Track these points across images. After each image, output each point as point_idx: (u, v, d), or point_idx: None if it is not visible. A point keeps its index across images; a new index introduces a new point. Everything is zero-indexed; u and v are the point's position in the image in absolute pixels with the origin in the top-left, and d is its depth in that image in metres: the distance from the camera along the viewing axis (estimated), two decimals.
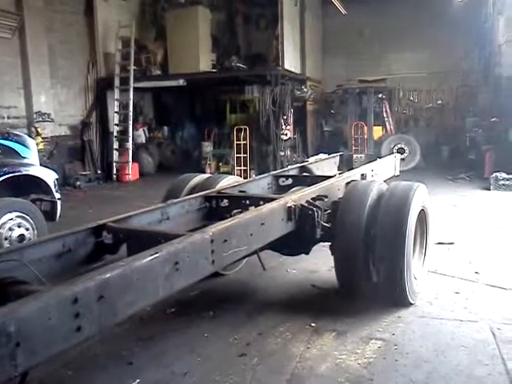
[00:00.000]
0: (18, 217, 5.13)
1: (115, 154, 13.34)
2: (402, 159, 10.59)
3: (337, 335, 3.54)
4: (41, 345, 1.78)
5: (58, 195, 6.03)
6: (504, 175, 9.64)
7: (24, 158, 6.14)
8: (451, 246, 5.78)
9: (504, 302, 4.07)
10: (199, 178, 4.97)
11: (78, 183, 12.00)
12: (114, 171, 13.26)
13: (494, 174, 9.76)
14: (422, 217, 4.19)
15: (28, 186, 5.82)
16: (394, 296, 3.87)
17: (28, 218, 5.24)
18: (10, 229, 5.05)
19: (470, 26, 14.10)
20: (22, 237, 5.13)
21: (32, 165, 6.11)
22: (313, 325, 3.71)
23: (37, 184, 5.88)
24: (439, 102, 15.42)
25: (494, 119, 11.81)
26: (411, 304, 3.93)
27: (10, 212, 5.07)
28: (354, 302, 4.00)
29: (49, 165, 8.06)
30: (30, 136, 8.43)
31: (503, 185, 9.54)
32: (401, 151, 12.94)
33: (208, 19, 13.86)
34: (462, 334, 3.49)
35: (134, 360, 3.30)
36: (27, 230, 5.22)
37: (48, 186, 5.94)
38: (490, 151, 11.03)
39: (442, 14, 14.01)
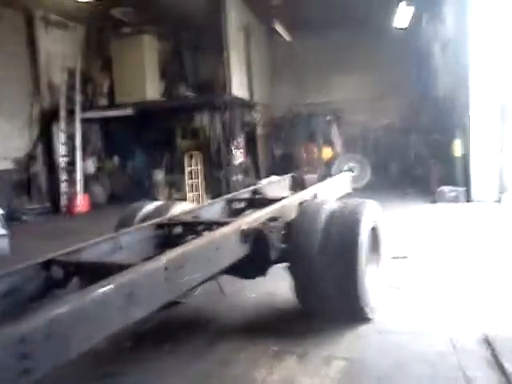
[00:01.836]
0: None
1: (63, 186, 12.98)
2: (353, 177, 10.81)
3: (299, 358, 3.51)
4: None
5: (3, 231, 5.79)
6: (448, 189, 10.02)
7: None
8: (405, 260, 5.89)
9: (460, 313, 4.15)
10: (151, 205, 4.89)
11: (25, 217, 11.57)
12: (63, 204, 12.88)
13: (440, 188, 10.13)
14: (375, 232, 4.26)
15: None
16: (352, 312, 3.90)
17: None
18: None
19: (410, 49, 14.76)
20: None
21: None
22: (274, 349, 3.67)
23: None
24: (385, 121, 15.93)
25: (435, 136, 12.31)
26: (369, 319, 3.95)
27: None
28: (314, 321, 3.99)
29: None
30: None
31: (449, 197, 9.91)
32: (351, 170, 13.21)
33: (155, 48, 13.89)
34: (422, 347, 3.53)
35: None
36: None
37: None
38: (435, 166, 11.45)
39: (384, 38, 14.58)
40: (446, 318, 4.04)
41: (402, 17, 13.63)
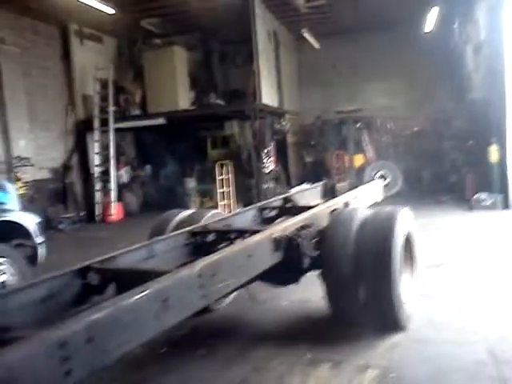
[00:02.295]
0: None
1: (98, 195, 13.27)
2: (385, 185, 10.70)
3: (333, 365, 3.48)
4: None
5: (40, 239, 5.93)
6: (485, 196, 9.78)
7: (3, 203, 6.08)
8: (441, 268, 5.79)
9: (499, 322, 4.05)
10: (184, 214, 4.94)
11: (61, 226, 11.84)
12: (97, 212, 13.15)
13: (476, 196, 9.90)
14: (408, 240, 4.20)
15: (9, 232, 5.72)
16: (386, 321, 3.84)
17: (10, 263, 5.13)
18: None
19: (441, 53, 14.54)
20: (3, 284, 5.01)
21: (12, 210, 6.03)
22: (308, 356, 3.65)
23: (18, 229, 5.79)
24: (416, 128, 15.70)
25: (470, 142, 12.06)
26: (404, 328, 3.89)
27: None
28: (349, 329, 3.95)
29: (30, 209, 7.96)
30: (9, 181, 8.34)
31: (485, 205, 9.67)
32: (383, 177, 13.07)
33: (184, 58, 14.08)
34: (460, 357, 3.45)
35: None
36: (9, 276, 5.10)
37: (29, 230, 5.86)
38: (470, 173, 11.22)
39: (414, 43, 14.43)
40: (485, 327, 3.94)
41: (434, 21, 13.47)
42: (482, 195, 9.83)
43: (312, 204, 5.36)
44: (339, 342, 3.80)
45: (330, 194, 7.46)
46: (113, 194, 13.12)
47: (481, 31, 11.52)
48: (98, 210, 13.17)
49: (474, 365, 3.31)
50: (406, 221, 4.06)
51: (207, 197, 13.51)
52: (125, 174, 14.66)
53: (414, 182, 14.02)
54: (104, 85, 13.50)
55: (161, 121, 13.24)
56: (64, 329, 1.90)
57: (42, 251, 5.90)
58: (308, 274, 3.98)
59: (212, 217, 4.77)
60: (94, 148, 13.41)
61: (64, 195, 13.01)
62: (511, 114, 9.53)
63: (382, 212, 4.05)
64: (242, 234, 3.92)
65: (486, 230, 8.00)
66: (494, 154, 10.01)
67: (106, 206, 13.12)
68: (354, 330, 3.92)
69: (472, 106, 12.42)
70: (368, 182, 9.00)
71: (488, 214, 9.22)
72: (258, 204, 5.83)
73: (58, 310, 2.87)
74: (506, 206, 9.61)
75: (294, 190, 9.49)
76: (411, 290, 4.29)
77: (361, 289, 3.76)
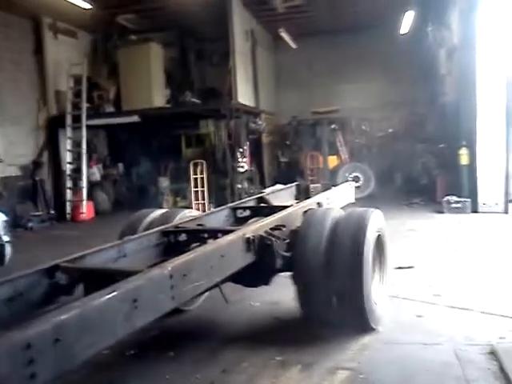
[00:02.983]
0: None
1: (68, 193, 13.04)
2: (358, 187, 10.81)
3: (303, 368, 3.48)
4: None
5: (6, 238, 5.79)
6: (455, 198, 9.96)
7: None
8: (410, 270, 5.87)
9: (465, 323, 4.13)
10: (156, 213, 4.89)
11: (30, 224, 11.57)
12: (68, 210, 12.91)
13: (446, 198, 10.07)
14: (379, 241, 4.24)
15: None
16: (357, 322, 3.87)
17: None
18: None
19: (417, 56, 14.77)
20: None
21: None
22: (278, 358, 3.64)
23: None
24: (390, 130, 15.91)
25: (442, 145, 12.28)
26: (374, 329, 3.93)
27: None
28: (319, 331, 3.97)
29: None
30: None
31: (455, 207, 9.85)
32: (356, 179, 13.20)
33: (160, 55, 13.95)
34: (427, 358, 3.50)
35: None
36: None
37: None
38: (441, 176, 11.42)
39: (390, 45, 14.64)
40: (451, 328, 4.00)
41: (410, 23, 13.67)
42: (452, 198, 10.00)
43: (285, 204, 5.37)
44: (309, 344, 3.81)
45: (303, 194, 7.49)
46: (84, 192, 12.91)
47: (454, 35, 11.72)
48: (68, 209, 12.93)
49: (440, 366, 3.36)
50: (378, 222, 4.11)
51: (180, 196, 13.42)
52: (97, 172, 14.43)
53: (387, 184, 14.20)
54: (78, 81, 13.27)
55: (135, 118, 13.08)
56: (29, 330, 1.85)
57: (8, 250, 5.76)
58: (280, 274, 3.99)
59: (185, 216, 4.73)
60: (66, 145, 13.16)
61: (34, 193, 12.73)
62: (481, 118, 9.71)
63: (354, 213, 4.09)
64: (215, 233, 3.90)
65: (455, 232, 8.15)
66: (463, 157, 10.20)
67: (76, 205, 12.90)
68: (325, 331, 3.93)
69: (444, 109, 12.64)
70: (341, 183, 9.07)
71: (457, 217, 9.39)
72: (232, 204, 5.82)
73: (24, 310, 2.80)
74: (474, 208, 9.79)
75: (267, 190, 9.49)
76: (381, 291, 4.34)
77: (332, 290, 3.78)
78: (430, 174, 12.76)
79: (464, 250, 6.80)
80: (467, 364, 3.36)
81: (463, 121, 10.64)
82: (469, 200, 9.85)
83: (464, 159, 10.20)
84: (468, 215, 9.58)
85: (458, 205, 9.87)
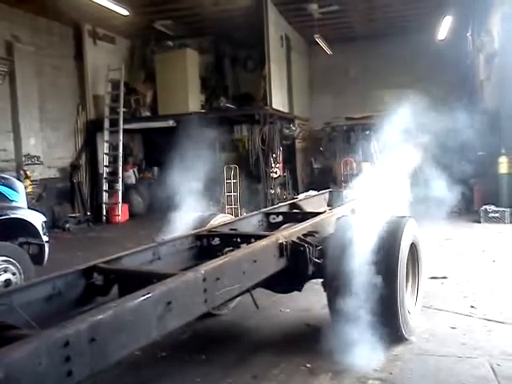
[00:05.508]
0: (4, 261, 5.00)
1: (105, 196, 13.32)
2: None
3: (333, 376, 3.45)
4: None
5: (45, 238, 5.93)
6: (493, 208, 9.71)
7: (12, 201, 6.07)
8: (445, 280, 5.75)
9: (501, 337, 4.01)
10: (190, 217, 4.95)
11: (68, 225, 11.86)
12: (104, 213, 13.18)
13: (484, 207, 9.83)
14: (414, 251, 4.18)
15: (16, 230, 5.72)
16: (389, 331, 3.81)
17: (15, 262, 5.13)
18: None
19: (455, 61, 14.48)
20: (8, 282, 5.01)
21: (20, 208, 6.02)
22: (308, 365, 3.62)
23: (25, 227, 5.78)
24: (427, 137, 15.62)
25: (480, 153, 11.98)
26: (407, 340, 3.86)
27: None
28: (350, 339, 3.92)
29: (37, 207, 7.99)
30: (18, 179, 8.37)
31: (493, 217, 9.60)
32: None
33: (196, 61, 14.14)
34: (462, 371, 3.41)
35: None
36: (14, 274, 5.10)
37: (36, 229, 5.85)
38: (479, 184, 11.15)
39: (426, 51, 14.41)
40: (487, 342, 3.89)
41: (448, 29, 13.44)
42: (490, 207, 9.75)
43: (318, 211, 5.35)
44: (340, 352, 3.76)
45: (337, 201, 7.44)
46: (120, 195, 13.15)
47: (494, 41, 11.47)
48: (104, 211, 13.20)
49: (476, 381, 3.27)
50: (412, 230, 4.05)
51: (214, 200, 13.49)
52: (132, 175, 14.70)
53: (422, 192, 13.92)
54: (115, 85, 13.57)
55: (170, 123, 13.28)
56: (67, 328, 1.90)
57: (47, 250, 5.91)
58: (311, 281, 3.97)
59: (218, 220, 4.77)
60: (104, 148, 13.47)
61: (71, 195, 13.06)
62: None
63: (388, 221, 4.03)
64: (248, 238, 3.92)
65: (493, 242, 7.94)
66: (503, 165, 9.94)
67: (112, 207, 13.16)
68: (356, 339, 3.88)
69: (482, 116, 12.34)
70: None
71: (495, 227, 9.15)
72: (265, 209, 5.83)
73: (62, 309, 2.87)
74: None
75: (300, 196, 9.47)
76: (415, 301, 4.27)
77: (364, 298, 3.74)
78: (467, 183, 12.46)
79: (502, 260, 6.62)
80: (505, 381, 3.25)
81: (503, 128, 10.37)
82: (508, 210, 9.59)
83: (503, 167, 9.95)
84: (506, 225, 9.33)
85: (497, 214, 9.62)
